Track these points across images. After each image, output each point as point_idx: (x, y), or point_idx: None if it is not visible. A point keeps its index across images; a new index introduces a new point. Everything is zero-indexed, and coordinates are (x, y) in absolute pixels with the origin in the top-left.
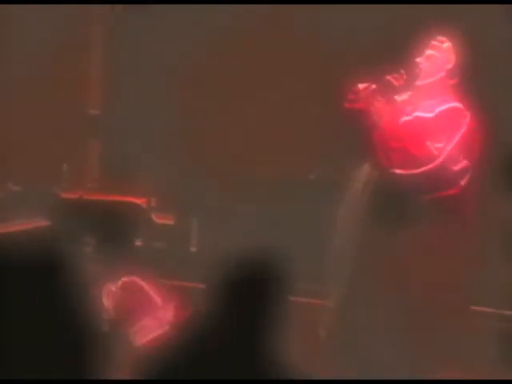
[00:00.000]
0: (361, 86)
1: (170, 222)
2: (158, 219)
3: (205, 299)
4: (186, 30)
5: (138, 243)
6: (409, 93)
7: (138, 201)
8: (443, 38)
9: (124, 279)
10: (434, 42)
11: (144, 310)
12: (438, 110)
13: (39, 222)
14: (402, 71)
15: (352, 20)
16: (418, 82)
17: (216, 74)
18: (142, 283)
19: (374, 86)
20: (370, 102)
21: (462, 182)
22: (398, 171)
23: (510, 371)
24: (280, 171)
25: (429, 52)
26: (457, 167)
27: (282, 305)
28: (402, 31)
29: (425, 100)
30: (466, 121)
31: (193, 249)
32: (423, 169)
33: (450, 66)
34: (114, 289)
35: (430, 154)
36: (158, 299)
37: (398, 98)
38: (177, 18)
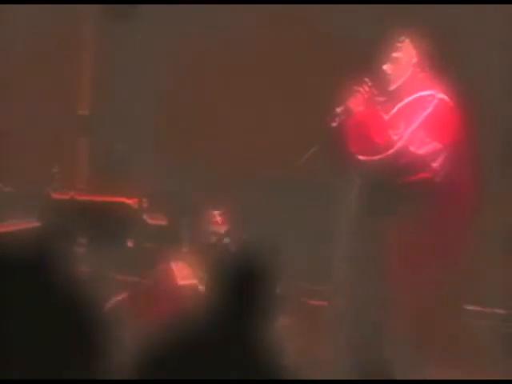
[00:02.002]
0: (338, 109)
1: (161, 222)
2: (150, 219)
3: (199, 298)
4: (177, 31)
5: (130, 243)
6: (384, 98)
7: (129, 201)
8: (401, 37)
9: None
10: (394, 44)
11: None
12: (404, 101)
13: (30, 223)
14: (366, 79)
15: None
16: (392, 87)
17: (206, 73)
18: None
19: (350, 104)
20: (347, 113)
21: (434, 165)
22: (361, 157)
23: (510, 371)
24: (273, 170)
25: (392, 55)
26: (423, 150)
27: (275, 303)
28: (363, 40)
29: (403, 99)
30: (430, 104)
31: (184, 249)
32: (383, 154)
33: (415, 61)
34: None
35: (390, 140)
36: None
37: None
38: (167, 19)
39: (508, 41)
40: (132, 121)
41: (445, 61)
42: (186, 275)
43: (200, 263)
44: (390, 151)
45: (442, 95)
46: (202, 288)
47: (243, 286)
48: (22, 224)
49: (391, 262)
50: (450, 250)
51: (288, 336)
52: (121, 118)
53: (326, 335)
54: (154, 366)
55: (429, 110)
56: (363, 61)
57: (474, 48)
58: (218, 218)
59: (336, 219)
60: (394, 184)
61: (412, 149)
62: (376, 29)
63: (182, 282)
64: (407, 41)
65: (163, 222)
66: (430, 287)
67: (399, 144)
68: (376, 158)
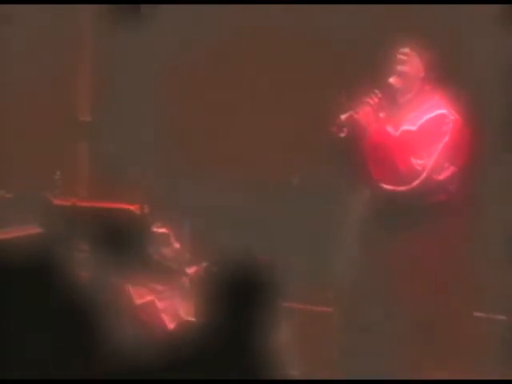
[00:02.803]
0: (343, 116)
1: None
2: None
3: (198, 303)
4: (177, 34)
5: (132, 249)
6: (391, 110)
7: (130, 207)
8: (406, 50)
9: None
10: (399, 57)
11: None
12: (420, 122)
13: (32, 229)
14: (376, 91)
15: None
16: (399, 101)
17: (206, 77)
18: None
19: (355, 113)
20: (356, 127)
21: (451, 188)
22: (386, 186)
23: (510, 371)
24: (273, 174)
25: (398, 68)
26: (442, 176)
27: (273, 308)
28: (366, 50)
29: (410, 113)
30: (448, 127)
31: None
32: (409, 186)
33: (422, 74)
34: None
35: (414, 170)
36: None
37: (382, 115)
38: (167, 22)
39: None
40: (133, 127)
41: (451, 74)
42: (142, 293)
43: (157, 278)
44: (416, 182)
45: (454, 115)
46: (159, 304)
47: (239, 293)
48: (23, 230)
49: (398, 271)
50: (457, 261)
51: (288, 343)
52: (122, 124)
53: (327, 341)
54: (151, 375)
55: (447, 137)
56: (369, 70)
57: (480, 60)
58: (161, 230)
59: (341, 227)
60: (410, 207)
61: (434, 176)
62: (381, 38)
63: (139, 301)
64: (413, 54)
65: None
66: (437, 297)
67: (424, 175)
68: (402, 188)
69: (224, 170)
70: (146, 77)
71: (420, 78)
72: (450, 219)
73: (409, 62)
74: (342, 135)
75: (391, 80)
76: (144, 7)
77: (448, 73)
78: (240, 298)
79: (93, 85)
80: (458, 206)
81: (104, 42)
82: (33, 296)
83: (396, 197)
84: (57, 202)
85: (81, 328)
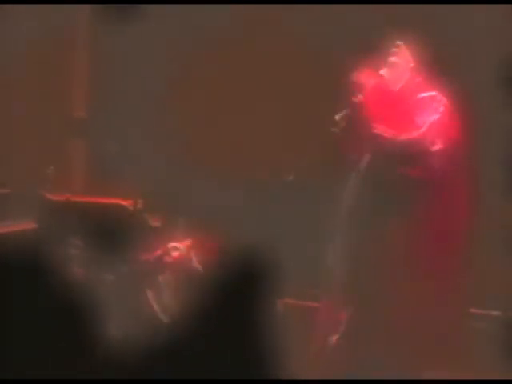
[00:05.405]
0: (337, 116)
1: (156, 223)
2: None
3: (195, 299)
4: (173, 32)
5: (125, 244)
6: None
7: (124, 202)
8: (397, 42)
9: None
10: (390, 49)
11: None
12: (414, 98)
13: (26, 225)
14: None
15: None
16: (391, 91)
17: (201, 75)
18: None
19: (348, 111)
20: (352, 122)
21: (436, 165)
22: (386, 134)
23: (510, 371)
24: (267, 171)
25: (389, 59)
26: (433, 148)
27: (269, 304)
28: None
29: (403, 103)
30: (439, 105)
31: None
32: (408, 136)
33: (412, 65)
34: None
35: (416, 125)
36: None
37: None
38: (164, 20)
39: (504, 41)
40: (127, 122)
41: (441, 64)
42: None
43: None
44: (416, 134)
45: (445, 99)
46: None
47: (235, 288)
48: (17, 225)
49: (391, 261)
50: (450, 251)
51: (284, 336)
52: (116, 120)
53: (323, 336)
54: (150, 364)
55: (441, 111)
56: (360, 64)
57: (470, 50)
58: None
59: (331, 219)
60: (396, 170)
61: (427, 143)
62: (371, 33)
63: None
64: (403, 45)
65: (159, 223)
66: (430, 288)
67: (423, 130)
68: (403, 137)
69: (220, 166)
70: (141, 73)
71: (410, 68)
72: (440, 201)
73: (399, 53)
74: (336, 130)
75: (382, 72)
76: (142, 6)
77: (439, 65)
78: (237, 293)
79: (88, 81)
80: (450, 188)
81: (100, 40)
82: (26, 290)
83: (388, 151)
84: (51, 197)
85: (73, 322)
